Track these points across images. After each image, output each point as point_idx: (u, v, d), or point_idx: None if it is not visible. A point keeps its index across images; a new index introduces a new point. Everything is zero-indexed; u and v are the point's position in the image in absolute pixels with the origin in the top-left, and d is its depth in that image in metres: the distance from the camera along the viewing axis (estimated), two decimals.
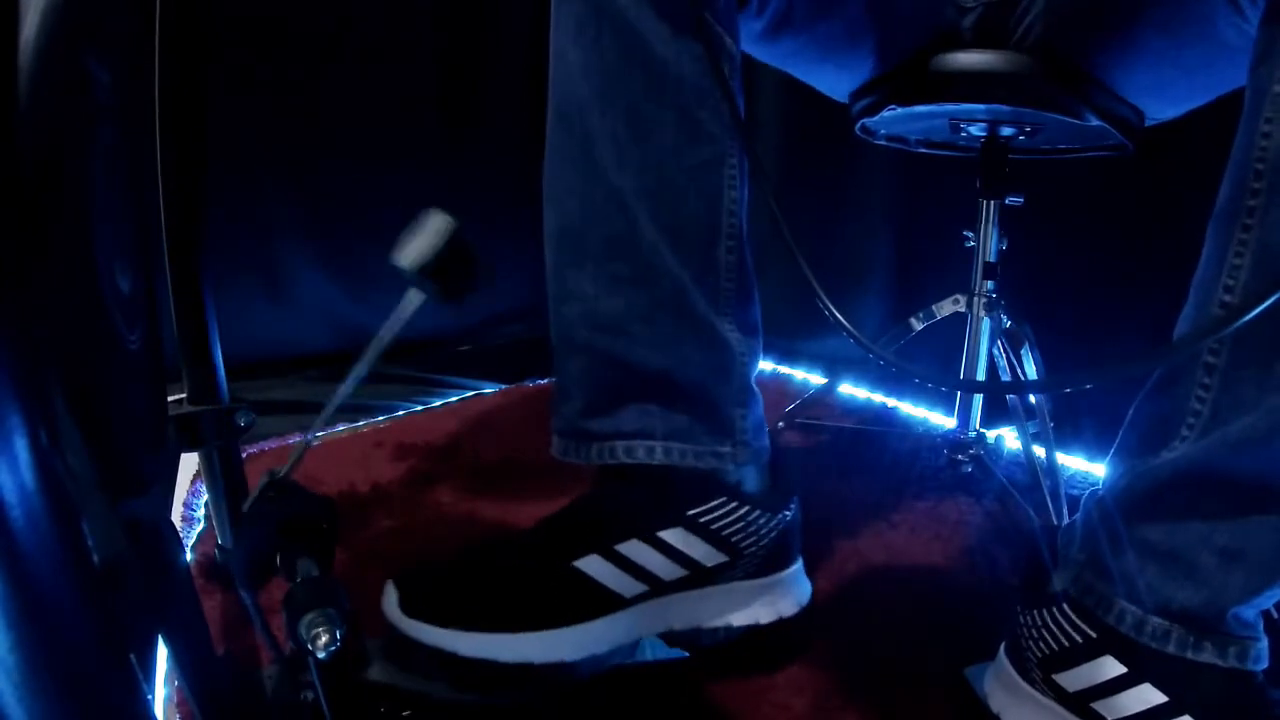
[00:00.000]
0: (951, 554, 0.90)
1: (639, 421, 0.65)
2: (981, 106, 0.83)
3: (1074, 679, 0.57)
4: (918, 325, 1.10)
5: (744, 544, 0.67)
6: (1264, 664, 0.53)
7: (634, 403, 0.65)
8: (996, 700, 0.62)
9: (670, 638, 0.69)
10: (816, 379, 1.53)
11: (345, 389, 0.48)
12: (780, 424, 1.23)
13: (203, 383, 0.66)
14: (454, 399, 1.40)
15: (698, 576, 0.67)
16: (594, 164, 0.61)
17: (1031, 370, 1.03)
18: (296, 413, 1.27)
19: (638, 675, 0.68)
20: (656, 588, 0.66)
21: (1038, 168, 1.00)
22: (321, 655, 0.48)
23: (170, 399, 0.60)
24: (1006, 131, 0.92)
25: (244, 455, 0.72)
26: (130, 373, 0.47)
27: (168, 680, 0.64)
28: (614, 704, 0.65)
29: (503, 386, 1.46)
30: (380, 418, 1.29)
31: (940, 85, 0.80)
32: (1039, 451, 0.99)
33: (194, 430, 0.65)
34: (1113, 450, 0.58)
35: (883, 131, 1.00)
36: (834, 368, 1.48)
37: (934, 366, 1.25)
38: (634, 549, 0.65)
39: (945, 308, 1.07)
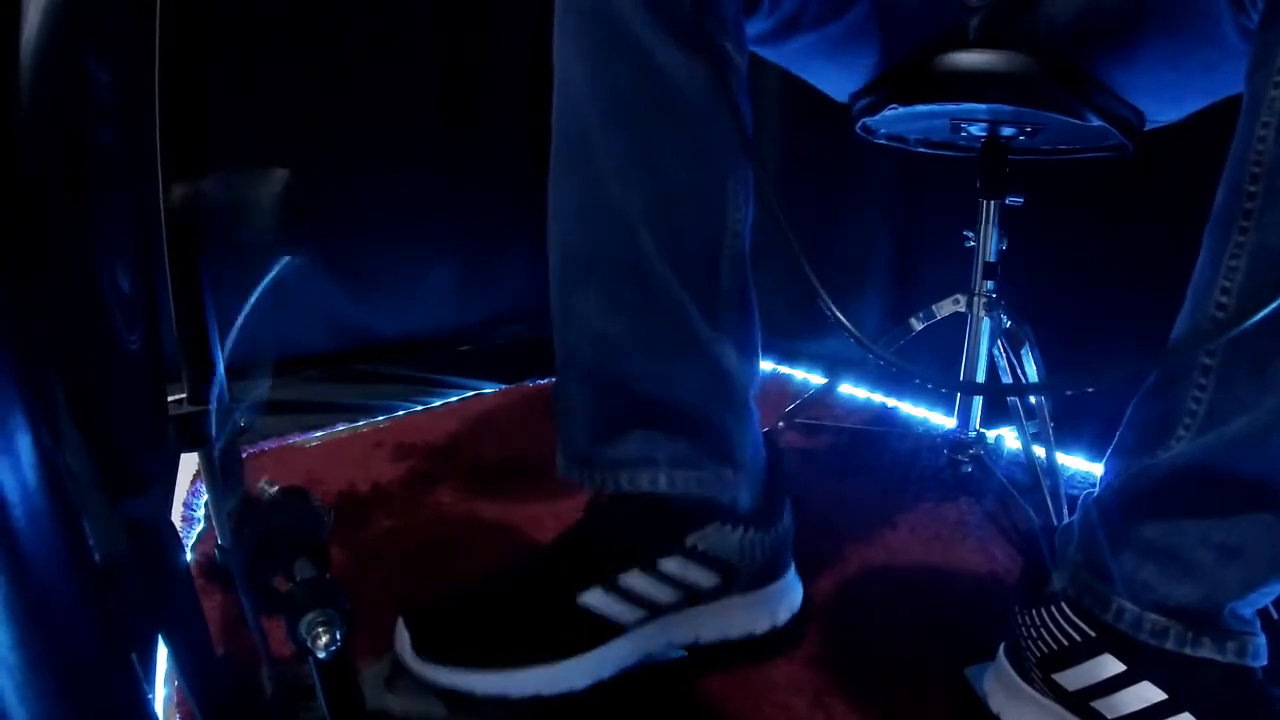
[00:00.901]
0: (951, 554, 0.90)
1: (642, 449, 0.66)
2: (982, 106, 0.83)
3: (1073, 678, 0.57)
4: (918, 325, 1.10)
5: (739, 564, 0.69)
6: (1263, 660, 0.53)
7: (636, 429, 0.65)
8: (996, 700, 0.62)
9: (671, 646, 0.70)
10: (816, 379, 1.53)
11: None
12: (780, 424, 1.23)
13: (203, 383, 0.66)
14: (454, 399, 1.40)
15: (695, 598, 0.68)
16: (598, 184, 0.61)
17: (1031, 371, 1.03)
18: (296, 413, 1.27)
19: (638, 675, 0.68)
20: (655, 612, 0.67)
21: (1038, 168, 1.00)
22: (321, 655, 0.48)
23: (170, 399, 0.60)
24: (1007, 132, 0.91)
25: (244, 455, 0.72)
26: (130, 373, 0.47)
27: (168, 680, 0.64)
28: (614, 704, 0.65)
29: (503, 386, 1.46)
30: (380, 418, 1.29)
31: (941, 85, 0.80)
32: (1039, 451, 0.99)
33: (194, 430, 0.65)
34: (1110, 450, 0.58)
35: (883, 131, 1.00)
36: (834, 368, 1.48)
37: (934, 366, 1.25)
38: (634, 580, 0.66)
39: (945, 308, 1.07)
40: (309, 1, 1.35)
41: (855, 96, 0.89)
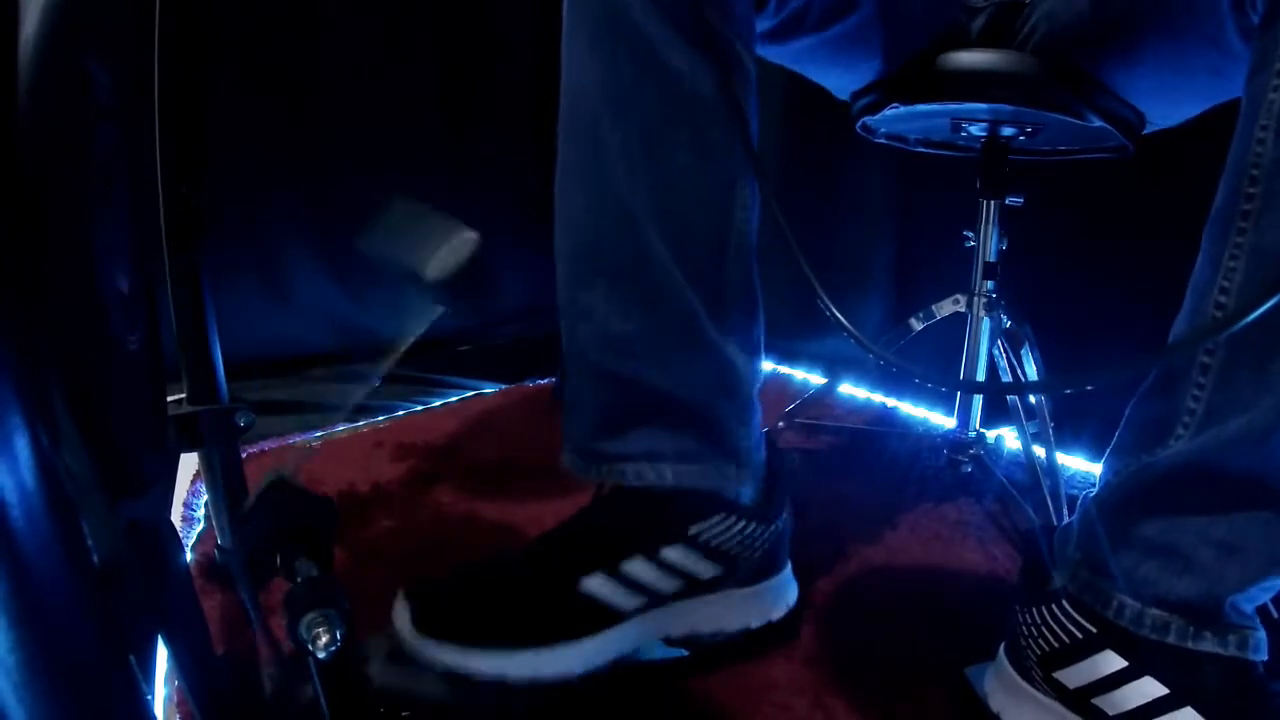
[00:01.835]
0: (951, 554, 0.90)
1: (647, 443, 0.66)
2: (983, 106, 0.83)
3: (1074, 675, 0.57)
4: (918, 325, 1.10)
5: (740, 556, 0.69)
6: (1264, 654, 0.53)
7: (642, 424, 0.66)
8: (997, 700, 0.62)
9: (668, 640, 0.70)
10: (816, 379, 1.53)
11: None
12: (780, 424, 1.23)
13: (203, 383, 0.66)
14: (454, 399, 1.40)
15: (695, 588, 0.68)
16: (605, 182, 0.61)
17: (1031, 370, 1.03)
18: (296, 413, 1.27)
19: (638, 675, 0.68)
20: (655, 600, 0.67)
21: (1038, 168, 1.00)
22: (321, 655, 0.48)
23: (170, 399, 0.60)
24: (1007, 132, 0.91)
25: (244, 455, 0.72)
26: (130, 373, 0.47)
27: (168, 680, 0.64)
28: (614, 704, 0.65)
29: (503, 386, 1.46)
30: (380, 418, 1.29)
31: (942, 84, 0.80)
32: (1039, 451, 0.99)
33: (194, 430, 0.65)
34: (1109, 449, 0.59)
35: (883, 130, 1.00)
36: (834, 368, 1.48)
37: (934, 366, 1.25)
38: (637, 567, 0.66)
39: (945, 308, 1.07)
40: (309, 1, 1.35)
41: (856, 95, 0.89)
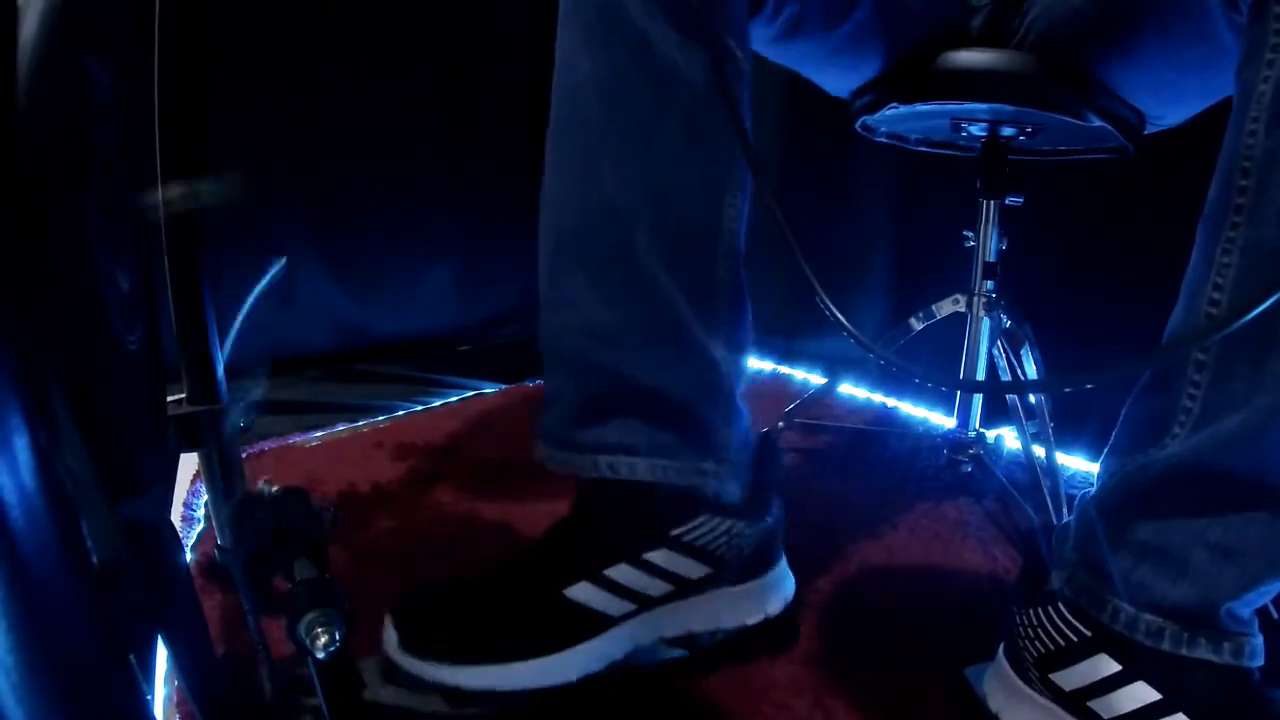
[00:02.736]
0: (951, 554, 0.90)
1: (623, 435, 0.65)
2: (983, 106, 0.83)
3: (1070, 678, 0.57)
4: (918, 325, 1.10)
5: (727, 555, 0.69)
6: (1259, 660, 0.53)
7: (619, 416, 0.65)
8: (995, 700, 0.62)
9: (664, 641, 0.70)
10: (816, 379, 1.53)
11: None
12: (780, 424, 1.23)
13: (203, 383, 0.66)
14: (454, 399, 1.40)
15: (685, 589, 0.68)
16: (594, 172, 0.61)
17: (1031, 370, 1.03)
18: (296, 413, 1.27)
19: (638, 675, 0.68)
20: (645, 604, 0.67)
21: (1038, 168, 1.00)
22: (321, 656, 0.48)
23: (170, 399, 0.60)
24: (1007, 132, 0.91)
25: (244, 455, 0.72)
26: (130, 373, 0.47)
27: (168, 680, 0.64)
28: (614, 704, 0.65)
29: (503, 386, 1.46)
30: (380, 418, 1.29)
31: (943, 84, 0.80)
32: (1039, 451, 0.99)
33: (194, 430, 0.64)
34: (1105, 450, 0.59)
35: (883, 129, 1.00)
36: (834, 368, 1.47)
37: (934, 366, 1.25)
38: (621, 572, 0.65)
39: (945, 308, 1.07)
40: (309, 1, 1.35)
41: (855, 94, 0.89)
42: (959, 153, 1.03)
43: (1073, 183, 1.12)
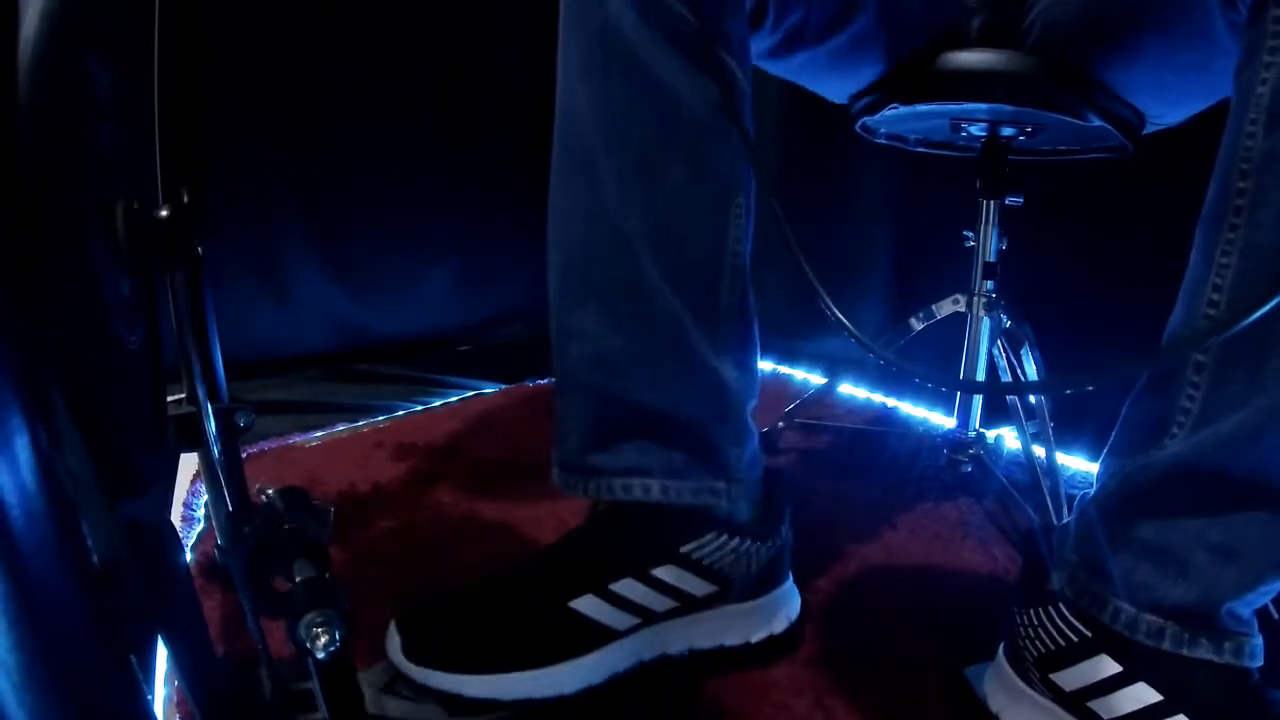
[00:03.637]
0: (951, 554, 0.90)
1: (636, 459, 0.66)
2: (983, 106, 0.83)
3: (1070, 678, 0.57)
4: (918, 325, 1.10)
5: (735, 573, 0.68)
6: (1259, 661, 0.53)
7: (632, 440, 0.65)
8: (995, 700, 0.62)
9: (667, 657, 0.70)
10: (816, 379, 1.53)
11: None
12: (780, 424, 1.23)
13: (203, 383, 0.66)
14: (454, 399, 1.40)
15: (690, 605, 0.68)
16: (599, 203, 0.61)
17: (1031, 370, 1.03)
18: (296, 413, 1.27)
19: (638, 675, 0.68)
20: (649, 619, 0.67)
21: (1038, 168, 1.00)
22: (321, 656, 0.48)
23: (170, 399, 0.60)
24: (1007, 132, 0.92)
25: (244, 455, 0.72)
26: (130, 373, 0.47)
27: (168, 680, 0.64)
28: (614, 704, 0.65)
29: (503, 386, 1.46)
30: (380, 418, 1.29)
31: (943, 84, 0.80)
32: (1039, 451, 0.99)
33: (194, 430, 0.64)
34: (1105, 450, 0.59)
35: (883, 130, 1.00)
36: (834, 368, 1.48)
37: (934, 366, 1.25)
38: (628, 587, 0.65)
39: (945, 308, 1.07)
40: (309, 2, 1.35)
41: (855, 96, 0.89)
42: (959, 153, 1.03)
43: (1073, 183, 1.12)
